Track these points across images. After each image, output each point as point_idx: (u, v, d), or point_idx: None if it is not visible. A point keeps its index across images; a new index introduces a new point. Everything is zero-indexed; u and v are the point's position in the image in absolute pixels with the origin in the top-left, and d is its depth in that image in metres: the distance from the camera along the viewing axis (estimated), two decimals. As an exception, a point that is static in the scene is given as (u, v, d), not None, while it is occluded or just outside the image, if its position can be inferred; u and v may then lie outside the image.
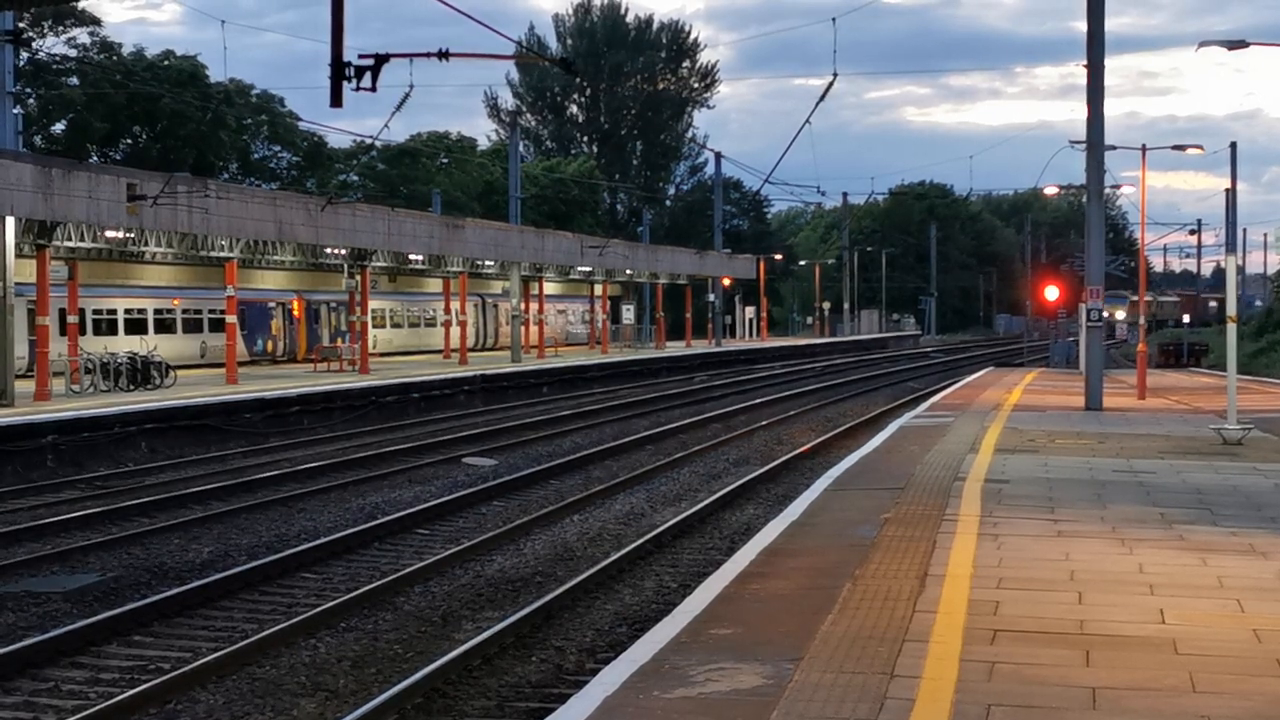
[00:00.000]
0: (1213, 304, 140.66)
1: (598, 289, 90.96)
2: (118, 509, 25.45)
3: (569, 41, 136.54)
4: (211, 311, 57.05)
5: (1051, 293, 74.43)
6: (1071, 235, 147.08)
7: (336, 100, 17.42)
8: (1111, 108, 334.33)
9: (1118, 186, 78.47)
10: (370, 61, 18.82)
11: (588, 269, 79.94)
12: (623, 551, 20.87)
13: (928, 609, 12.01)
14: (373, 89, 18.73)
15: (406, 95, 30.29)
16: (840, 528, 16.92)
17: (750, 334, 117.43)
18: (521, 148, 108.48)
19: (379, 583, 18.52)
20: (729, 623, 11.81)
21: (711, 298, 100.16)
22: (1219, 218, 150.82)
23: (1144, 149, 50.25)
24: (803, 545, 15.80)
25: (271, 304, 63.89)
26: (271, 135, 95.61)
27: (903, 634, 11.12)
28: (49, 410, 35.10)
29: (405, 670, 14.56)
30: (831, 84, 37.13)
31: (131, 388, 42.82)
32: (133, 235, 43.90)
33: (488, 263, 68.77)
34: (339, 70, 17.39)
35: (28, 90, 74.93)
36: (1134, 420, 33.68)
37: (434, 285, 74.89)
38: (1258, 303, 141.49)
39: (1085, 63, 38.08)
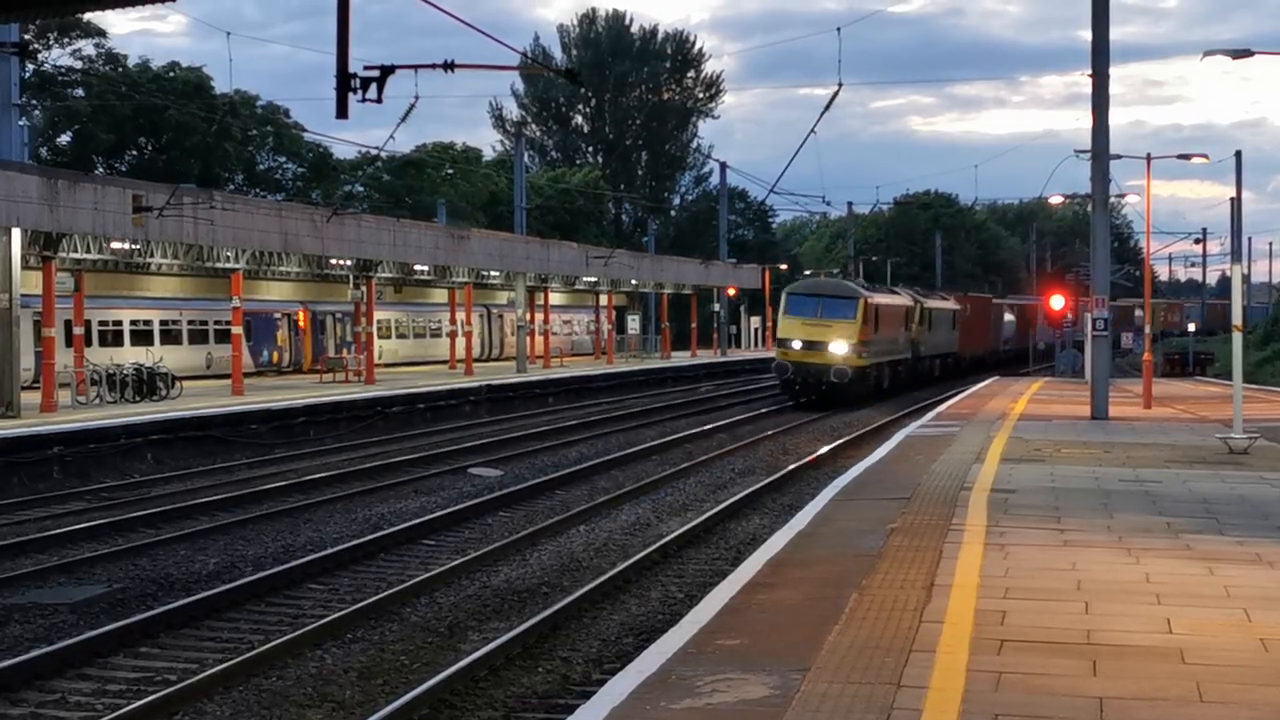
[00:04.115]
0: (1009, 316, 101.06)
1: (603, 299, 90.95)
2: (124, 520, 25.47)
3: (574, 52, 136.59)
4: (217, 322, 57.09)
5: (1057, 302, 74.43)
6: (1076, 244, 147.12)
7: (342, 112, 17.44)
8: (1117, 117, 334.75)
9: (1123, 195, 78.53)
10: (376, 73, 18.86)
11: (593, 279, 79.94)
12: (629, 562, 20.87)
13: (934, 619, 12.01)
14: (378, 100, 18.76)
15: (411, 106, 30.33)
16: (847, 538, 16.92)
17: (756, 343, 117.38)
18: (526, 158, 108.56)
19: (385, 593, 18.53)
20: (736, 633, 11.82)
21: (717, 307, 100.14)
22: (1225, 226, 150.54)
23: (1149, 158, 50.33)
24: (809, 555, 15.80)
25: (277, 315, 63.92)
26: (277, 146, 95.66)
27: (909, 644, 11.12)
28: (55, 422, 35.12)
29: (412, 681, 14.56)
30: (836, 94, 37.27)
31: (137, 399, 42.84)
32: (138, 247, 43.93)
33: (493, 273, 68.78)
34: (344, 82, 17.41)
35: (33, 102, 75.01)
36: (1140, 429, 33.67)
37: (439, 296, 74.87)
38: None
39: (1090, 72, 38.13)
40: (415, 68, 23.82)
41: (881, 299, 60.01)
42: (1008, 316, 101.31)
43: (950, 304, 80.00)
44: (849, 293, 57.11)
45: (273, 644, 15.69)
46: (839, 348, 55.13)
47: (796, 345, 55.58)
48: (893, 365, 63.01)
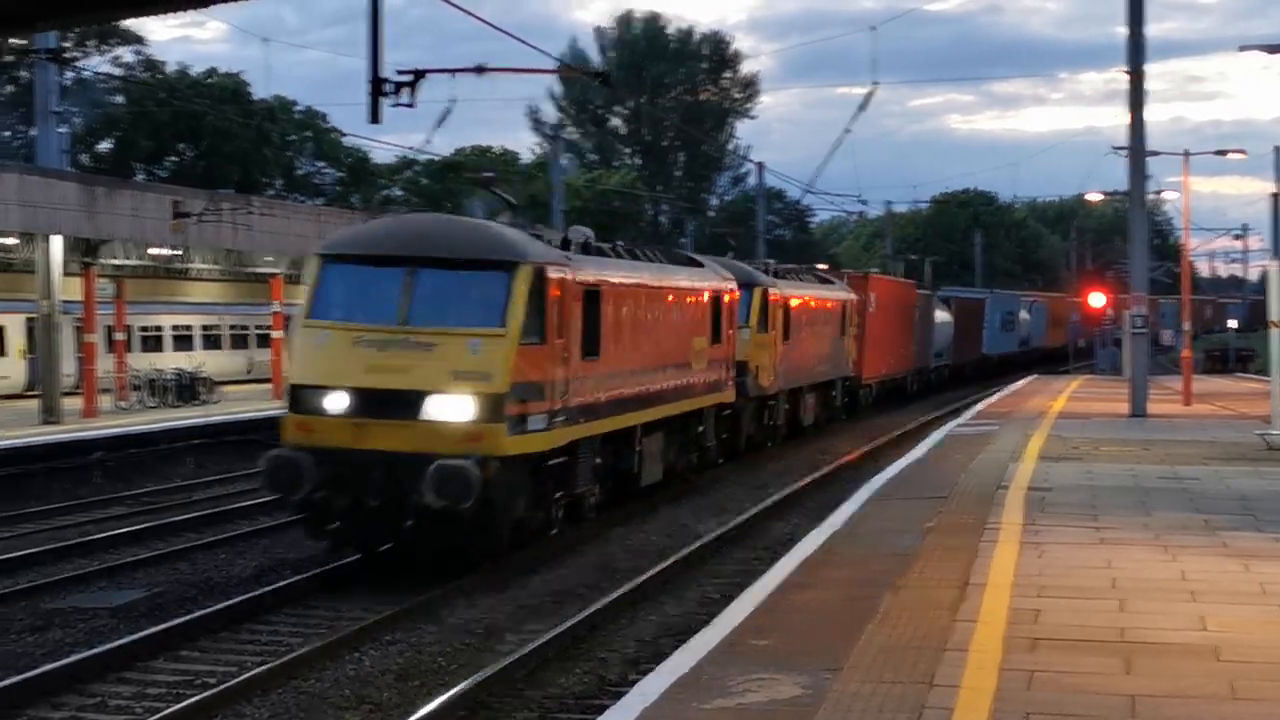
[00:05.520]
0: (943, 315, 69.22)
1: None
2: (164, 525, 25.60)
3: (610, 54, 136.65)
4: (258, 327, 57.28)
5: (1096, 299, 74.14)
6: (1117, 241, 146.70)
7: (375, 117, 17.57)
8: (1157, 113, 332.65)
9: (1160, 192, 78.01)
10: (409, 77, 18.98)
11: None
12: (665, 563, 20.87)
13: (968, 618, 12.02)
14: (411, 104, 18.88)
15: (448, 110, 30.59)
16: (882, 537, 16.94)
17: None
18: (564, 160, 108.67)
19: (424, 596, 18.56)
20: (769, 633, 11.85)
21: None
22: (1266, 222, 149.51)
23: (1186, 154, 50.28)
24: (844, 555, 15.82)
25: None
26: (316, 151, 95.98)
27: (942, 643, 11.14)
28: (97, 427, 35.32)
29: (448, 683, 14.61)
30: (871, 93, 37.26)
31: (178, 404, 43.05)
32: (178, 252, 44.15)
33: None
34: (377, 87, 17.53)
35: (73, 109, 75.45)
36: (1179, 426, 33.54)
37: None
38: None
39: (1127, 69, 38.02)
40: (449, 71, 23.93)
41: (618, 274, 24.80)
42: (941, 316, 68.97)
43: (837, 291, 47.56)
44: (491, 250, 20.92)
45: (311, 647, 15.76)
46: (454, 407, 19.79)
47: (338, 405, 20.14)
48: (680, 434, 29.15)
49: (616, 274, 24.72)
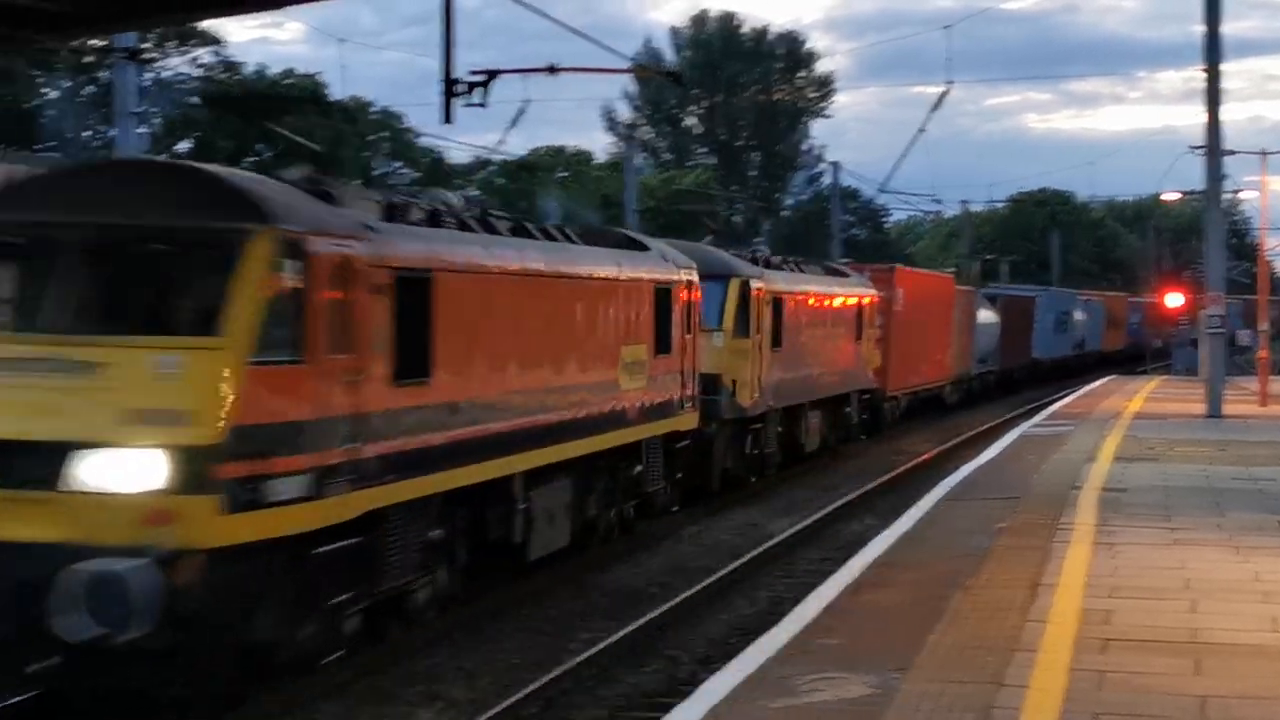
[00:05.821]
0: (987, 315, 60.32)
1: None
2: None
3: (685, 53, 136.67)
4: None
5: (1174, 299, 73.47)
6: (1194, 241, 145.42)
7: (447, 117, 17.71)
8: (1235, 112, 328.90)
9: (1238, 191, 77.23)
10: (481, 78, 19.11)
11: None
12: (738, 562, 20.91)
13: (1038, 619, 12.00)
14: (483, 104, 19.01)
15: (521, 110, 30.73)
16: (954, 538, 16.91)
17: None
18: (639, 159, 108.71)
19: (494, 594, 18.64)
20: (838, 633, 11.86)
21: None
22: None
23: (1264, 153, 49.90)
24: (915, 556, 15.81)
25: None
26: (392, 152, 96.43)
27: (1012, 644, 11.13)
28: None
29: (521, 680, 14.67)
30: (946, 93, 37.02)
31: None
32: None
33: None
34: (450, 88, 17.67)
35: (153, 109, 76.12)
36: (1254, 427, 33.31)
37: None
38: None
39: (1204, 67, 37.76)
40: (521, 72, 24.08)
41: (469, 256, 16.52)
42: (985, 316, 60.96)
43: (852, 286, 39.52)
44: (209, 211, 12.98)
45: (384, 644, 15.85)
46: (125, 467, 12.06)
47: None
48: (605, 477, 21.36)
49: (466, 255, 16.40)
